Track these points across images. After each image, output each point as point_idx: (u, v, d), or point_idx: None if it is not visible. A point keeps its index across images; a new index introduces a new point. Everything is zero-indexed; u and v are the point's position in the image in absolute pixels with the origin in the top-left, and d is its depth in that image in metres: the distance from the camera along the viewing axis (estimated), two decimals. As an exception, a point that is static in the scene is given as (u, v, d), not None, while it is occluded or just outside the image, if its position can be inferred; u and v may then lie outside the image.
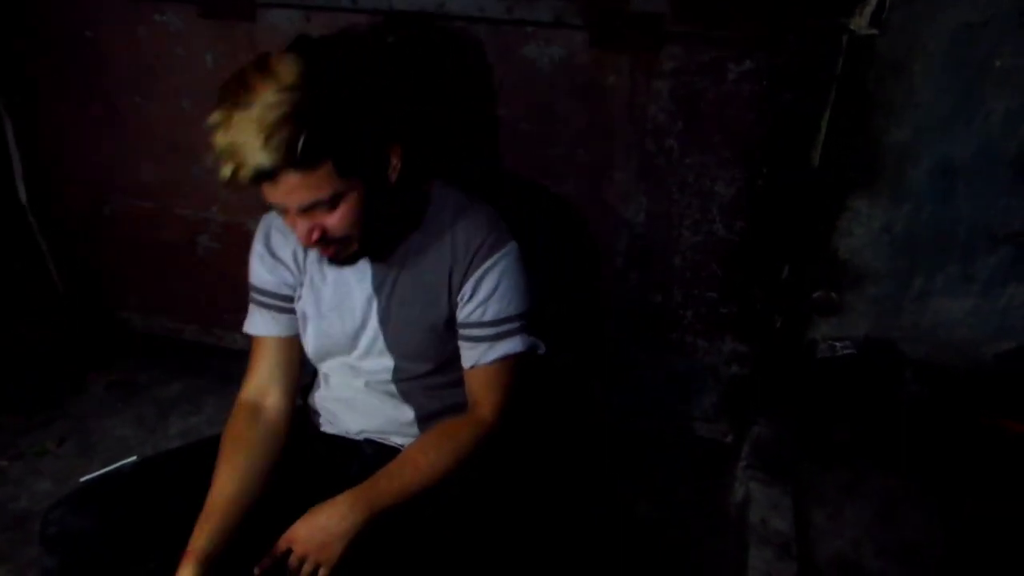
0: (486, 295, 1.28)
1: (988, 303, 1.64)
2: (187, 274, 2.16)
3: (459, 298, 1.29)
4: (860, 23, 1.42)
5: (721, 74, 1.47)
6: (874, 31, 1.42)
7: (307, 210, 1.12)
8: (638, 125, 1.56)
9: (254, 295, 1.40)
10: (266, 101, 1.03)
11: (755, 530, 1.56)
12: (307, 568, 1.20)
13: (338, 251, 1.23)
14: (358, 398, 1.42)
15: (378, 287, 1.33)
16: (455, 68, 1.61)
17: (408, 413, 1.40)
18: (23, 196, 2.18)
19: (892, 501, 1.62)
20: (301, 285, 1.37)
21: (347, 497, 1.20)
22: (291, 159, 1.04)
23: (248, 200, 1.92)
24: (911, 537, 1.55)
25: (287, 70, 1.05)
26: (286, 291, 1.38)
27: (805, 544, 1.54)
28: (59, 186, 2.14)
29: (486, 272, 1.27)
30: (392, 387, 1.39)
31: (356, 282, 1.34)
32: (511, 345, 1.31)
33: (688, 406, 1.90)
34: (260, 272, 1.38)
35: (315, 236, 1.15)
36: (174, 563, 1.21)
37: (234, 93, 1.05)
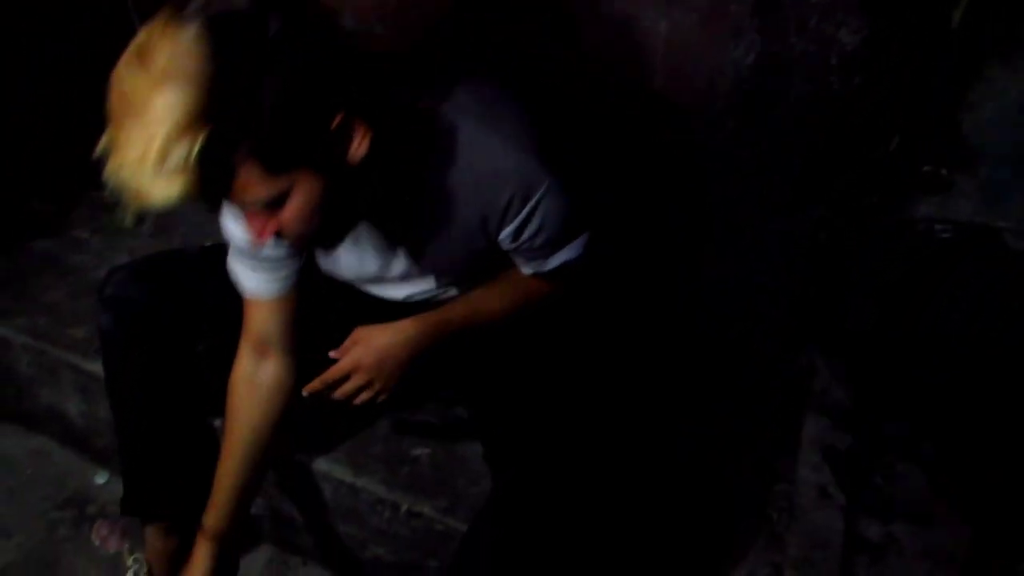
0: (532, 233, 1.14)
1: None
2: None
3: (499, 240, 1.16)
4: None
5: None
6: None
7: (251, 207, 0.93)
8: (765, -47, 1.43)
9: (235, 252, 1.22)
10: (155, 108, 0.78)
11: (815, 397, 1.54)
12: (366, 395, 1.17)
13: (305, 247, 1.12)
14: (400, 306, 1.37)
15: (399, 237, 1.18)
16: None
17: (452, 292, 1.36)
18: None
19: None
20: None
21: (413, 321, 1.14)
22: (194, 187, 0.82)
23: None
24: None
25: (177, 55, 0.79)
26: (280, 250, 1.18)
27: (863, 419, 1.51)
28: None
29: (527, 217, 1.11)
30: (437, 293, 1.32)
31: (367, 236, 1.18)
32: (569, 254, 1.20)
33: (764, 277, 1.83)
34: (236, 231, 1.17)
35: (267, 235, 0.96)
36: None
37: (119, 99, 0.82)
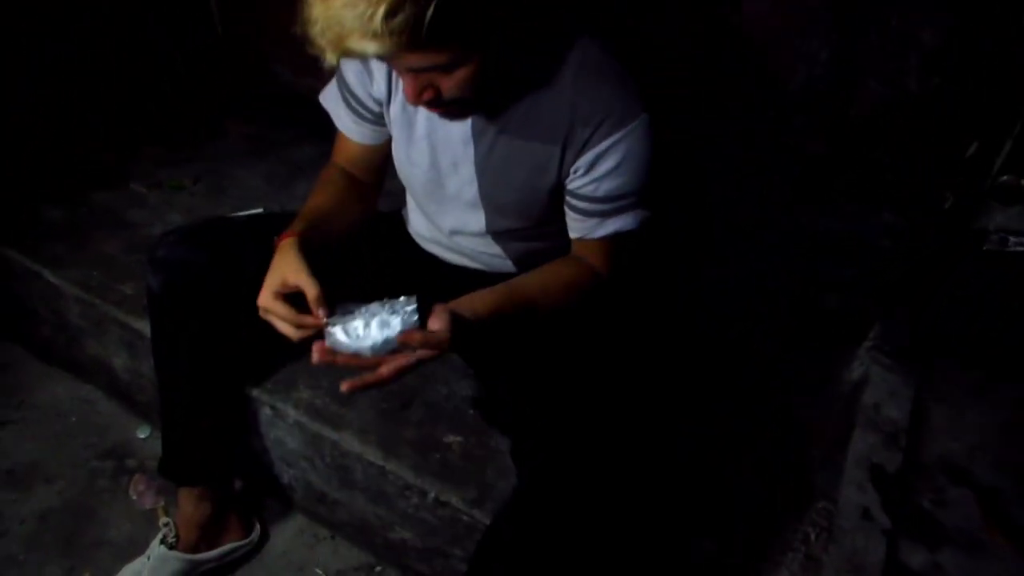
0: (604, 172, 1.14)
1: None
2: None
3: (572, 169, 1.15)
4: None
5: None
6: None
7: (419, 72, 1.00)
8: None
9: (341, 87, 1.27)
10: None
11: (865, 413, 1.48)
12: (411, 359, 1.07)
13: (449, 111, 1.12)
14: (446, 242, 1.37)
15: (478, 134, 1.18)
16: None
17: (507, 263, 1.35)
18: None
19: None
20: (390, 103, 1.23)
21: (461, 301, 1.10)
22: (409, 45, 0.89)
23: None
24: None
25: None
26: (372, 105, 1.25)
27: (916, 439, 1.44)
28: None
29: (609, 148, 1.11)
30: (480, 240, 1.32)
31: (456, 124, 1.19)
32: (623, 222, 1.18)
33: (823, 274, 1.77)
34: (350, 70, 1.23)
35: (426, 96, 1.02)
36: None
37: None
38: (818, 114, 1.54)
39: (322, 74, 2.25)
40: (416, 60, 0.95)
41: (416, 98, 1.02)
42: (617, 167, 1.12)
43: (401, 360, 1.03)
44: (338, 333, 1.02)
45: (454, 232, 1.33)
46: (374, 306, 1.03)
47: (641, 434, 1.40)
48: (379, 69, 1.20)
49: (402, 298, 1.03)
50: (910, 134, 1.49)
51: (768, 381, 1.74)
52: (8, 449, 1.81)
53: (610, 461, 1.14)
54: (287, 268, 1.10)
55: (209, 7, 2.36)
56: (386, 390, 1.39)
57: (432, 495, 1.35)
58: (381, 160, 1.33)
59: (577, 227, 1.21)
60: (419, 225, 1.43)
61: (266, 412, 1.52)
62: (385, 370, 1.03)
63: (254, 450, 1.61)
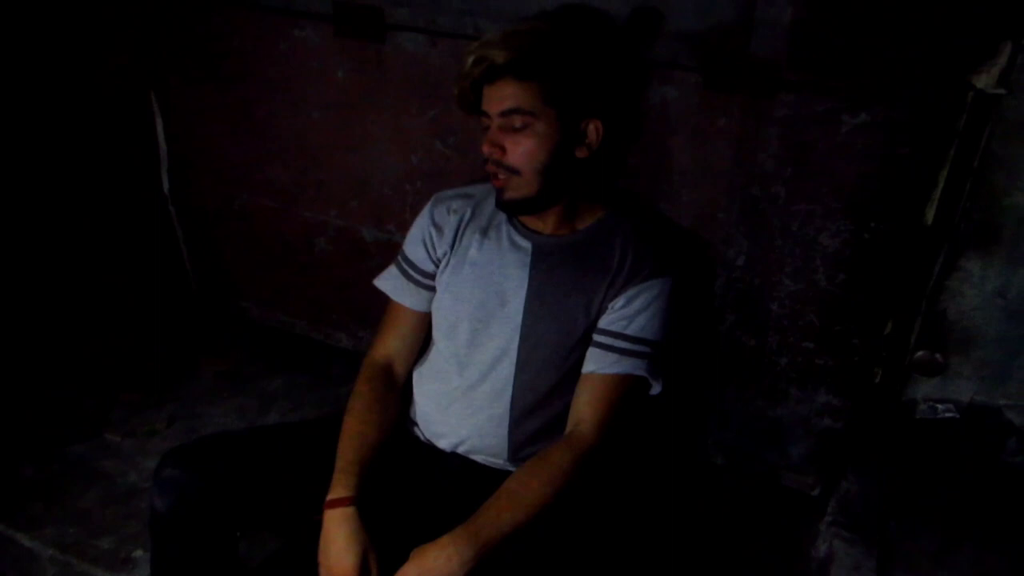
0: (636, 311, 1.35)
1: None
2: (302, 272, 2.28)
3: (611, 305, 1.36)
4: (987, 81, 1.37)
5: (835, 125, 1.45)
6: (1002, 91, 1.37)
7: (505, 116, 1.28)
8: (745, 169, 1.56)
9: (402, 262, 1.51)
10: (533, 23, 1.35)
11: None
12: None
13: (508, 185, 1.33)
14: (455, 406, 1.44)
15: (535, 263, 1.40)
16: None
17: (503, 429, 1.42)
18: (166, 186, 2.37)
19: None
20: (450, 253, 1.46)
21: (452, 537, 1.18)
22: (512, 63, 1.26)
23: (363, 208, 2.03)
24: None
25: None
26: (430, 267, 1.47)
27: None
28: (197, 180, 2.31)
29: (642, 290, 1.35)
30: (500, 392, 1.41)
31: (512, 254, 1.41)
32: (635, 365, 1.34)
33: (775, 454, 1.87)
34: (415, 241, 1.49)
35: (496, 152, 1.30)
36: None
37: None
38: (744, 311, 1.70)
39: (289, 308, 2.38)
40: (508, 90, 1.28)
41: (490, 148, 1.30)
42: (647, 308, 1.35)
43: None
44: None
45: (481, 378, 1.42)
46: None
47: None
48: (447, 226, 1.46)
49: None
50: (829, 321, 1.64)
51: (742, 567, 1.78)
52: None
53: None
54: (358, 546, 1.23)
55: (184, 267, 2.52)
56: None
57: None
58: (426, 329, 1.52)
59: (595, 362, 1.35)
60: (429, 408, 1.49)
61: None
62: None
63: None
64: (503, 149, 1.30)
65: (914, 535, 1.64)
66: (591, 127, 1.33)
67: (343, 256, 2.15)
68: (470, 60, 1.29)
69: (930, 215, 1.50)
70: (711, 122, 1.54)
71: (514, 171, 1.31)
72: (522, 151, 1.29)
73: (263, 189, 2.19)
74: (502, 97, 1.28)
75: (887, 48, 1.38)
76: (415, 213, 1.54)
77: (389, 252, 1.85)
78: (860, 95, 1.42)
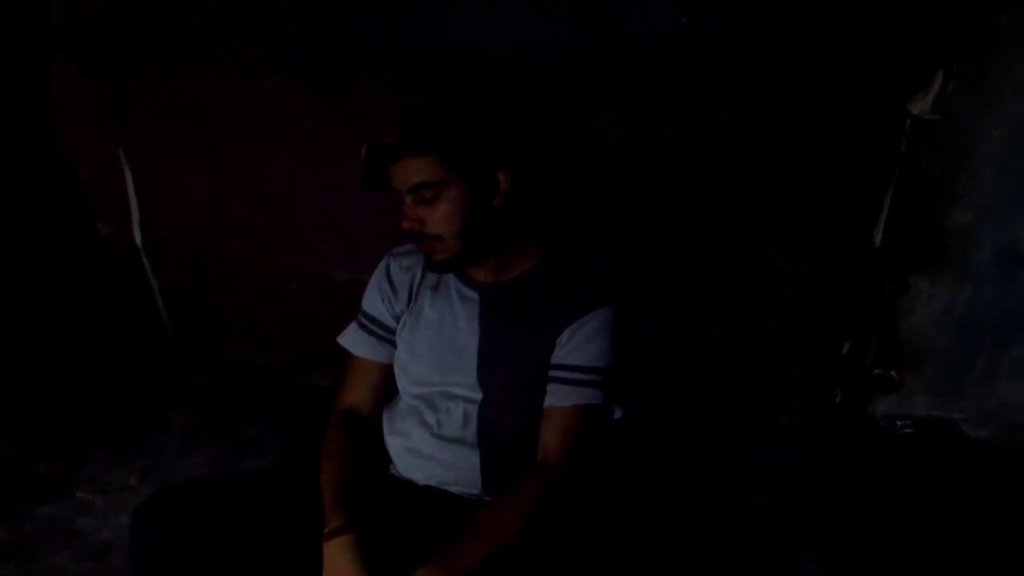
0: (582, 341, 1.37)
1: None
2: (278, 315, 2.31)
3: (558, 340, 1.38)
4: (923, 108, 1.46)
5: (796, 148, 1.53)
6: (936, 116, 1.46)
7: (414, 192, 1.30)
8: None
9: (362, 318, 1.55)
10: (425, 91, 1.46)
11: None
12: None
13: (434, 250, 1.36)
14: (426, 445, 1.46)
15: (484, 312, 1.43)
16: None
17: (474, 462, 1.44)
18: (138, 240, 2.40)
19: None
20: (406, 312, 1.50)
21: (427, 571, 1.20)
22: (405, 143, 1.27)
23: (335, 251, 2.07)
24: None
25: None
26: (390, 323, 1.51)
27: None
28: (170, 230, 2.34)
29: (585, 323, 1.37)
30: (468, 430, 1.44)
31: (462, 306, 1.45)
32: (591, 395, 1.36)
33: (741, 473, 1.90)
34: (374, 299, 1.53)
35: (415, 225, 1.33)
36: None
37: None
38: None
39: (267, 351, 2.38)
40: (411, 166, 1.29)
41: (408, 222, 1.32)
42: (595, 336, 1.36)
43: None
44: None
45: (444, 418, 1.44)
46: None
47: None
48: (402, 286, 1.51)
49: None
50: (789, 343, 1.70)
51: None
52: None
53: None
54: (366, 570, 1.25)
55: (159, 317, 2.53)
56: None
57: None
58: (391, 378, 1.54)
59: (553, 394, 1.38)
60: (400, 449, 1.50)
61: None
62: None
63: None
64: (421, 221, 1.33)
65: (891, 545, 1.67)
66: (500, 176, 1.35)
67: (317, 298, 2.19)
68: (364, 150, 1.33)
69: (878, 237, 1.58)
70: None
71: (436, 238, 1.34)
72: (438, 218, 1.32)
73: (236, 236, 2.23)
74: (406, 175, 1.31)
75: (828, 77, 1.47)
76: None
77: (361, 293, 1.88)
78: (807, 124, 1.50)
